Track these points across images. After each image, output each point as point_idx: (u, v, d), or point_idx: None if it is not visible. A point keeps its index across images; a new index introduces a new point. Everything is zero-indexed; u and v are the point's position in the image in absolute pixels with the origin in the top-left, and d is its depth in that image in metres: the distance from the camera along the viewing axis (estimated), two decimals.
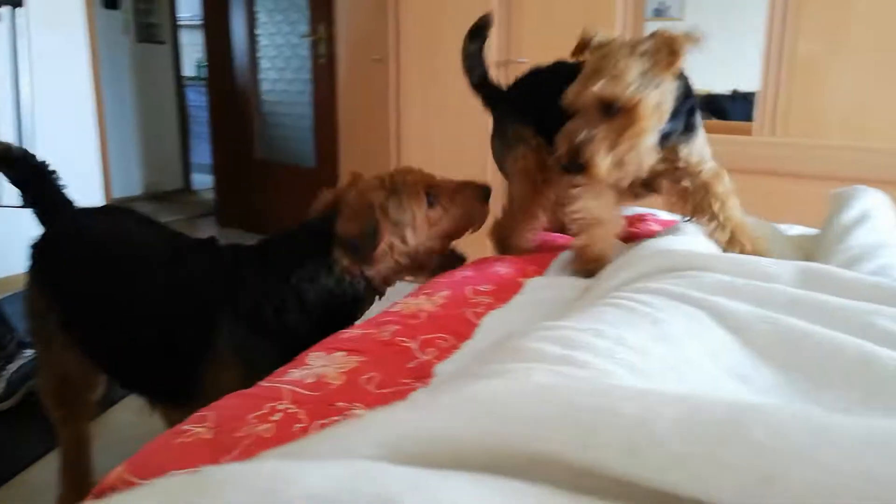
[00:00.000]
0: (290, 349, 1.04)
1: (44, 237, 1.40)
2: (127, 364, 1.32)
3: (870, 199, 1.19)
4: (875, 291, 0.70)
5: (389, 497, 0.23)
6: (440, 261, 1.35)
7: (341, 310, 1.25)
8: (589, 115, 1.06)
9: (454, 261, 1.38)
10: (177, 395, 1.25)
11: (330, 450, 0.29)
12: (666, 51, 1.05)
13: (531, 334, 0.61)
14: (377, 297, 1.32)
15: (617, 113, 1.03)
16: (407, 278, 1.36)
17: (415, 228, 1.27)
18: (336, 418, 0.77)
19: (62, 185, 1.45)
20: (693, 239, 1.06)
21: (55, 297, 1.36)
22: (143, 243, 1.31)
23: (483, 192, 1.35)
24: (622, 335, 0.56)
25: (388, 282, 1.32)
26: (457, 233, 1.34)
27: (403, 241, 1.27)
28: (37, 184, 1.43)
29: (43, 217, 1.42)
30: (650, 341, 0.57)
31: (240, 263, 1.23)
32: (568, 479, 0.28)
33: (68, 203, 1.44)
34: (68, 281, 1.33)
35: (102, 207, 1.50)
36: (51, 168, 1.44)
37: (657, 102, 1.05)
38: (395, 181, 1.28)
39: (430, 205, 1.29)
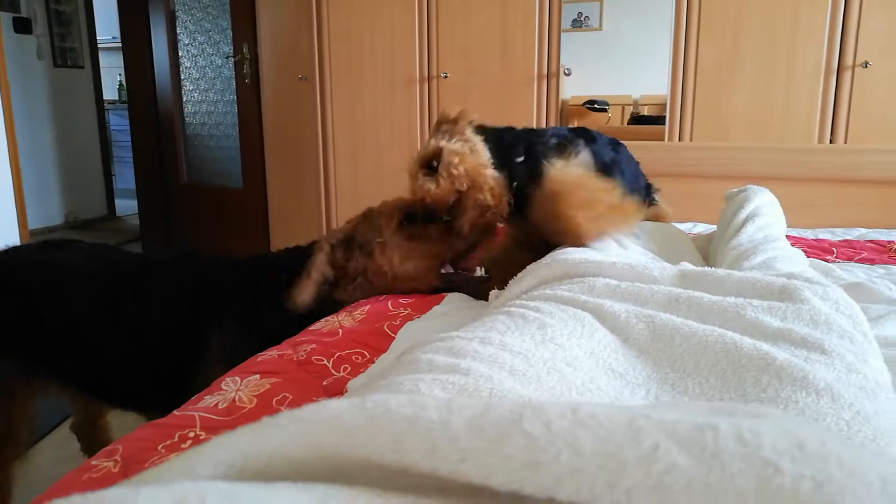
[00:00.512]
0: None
1: None
2: (125, 381, 1.30)
3: (760, 198, 1.27)
4: (745, 286, 0.76)
5: None
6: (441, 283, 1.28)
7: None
8: None
9: (467, 282, 1.29)
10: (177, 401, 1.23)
11: (176, 474, 0.31)
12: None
13: (425, 346, 0.63)
14: None
15: None
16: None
17: (383, 245, 1.23)
18: None
19: None
20: (606, 245, 1.11)
21: (10, 339, 1.31)
22: (108, 264, 1.31)
23: None
24: (506, 341, 0.60)
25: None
26: (441, 256, 1.26)
27: (373, 260, 1.23)
28: None
29: None
30: (534, 345, 0.60)
31: (228, 274, 1.26)
32: (389, 479, 0.32)
33: None
34: (36, 315, 1.29)
35: (45, 241, 1.44)
36: None
37: None
38: (373, 209, 1.26)
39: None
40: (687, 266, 0.86)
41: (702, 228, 1.71)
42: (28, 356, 1.33)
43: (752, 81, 2.53)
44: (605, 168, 1.27)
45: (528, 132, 1.29)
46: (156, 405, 1.28)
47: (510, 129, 1.30)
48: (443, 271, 1.29)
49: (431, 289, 1.27)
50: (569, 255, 0.89)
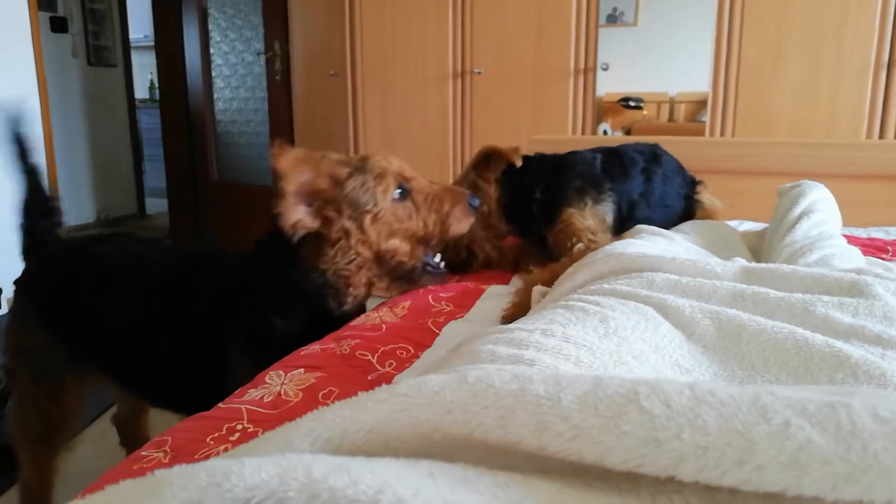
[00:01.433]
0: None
1: (38, 272, 1.38)
2: (161, 385, 1.31)
3: (815, 194, 1.23)
4: (812, 282, 0.73)
5: (316, 480, 0.25)
6: (423, 272, 1.24)
7: (322, 315, 1.16)
8: None
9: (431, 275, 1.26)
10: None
11: (272, 447, 0.31)
12: None
13: (484, 337, 0.61)
14: (348, 303, 1.19)
15: None
16: (378, 289, 1.22)
17: (375, 216, 1.13)
18: None
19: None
20: (649, 242, 1.09)
21: (62, 330, 1.34)
22: (153, 263, 1.30)
23: (470, 201, 1.24)
24: (568, 333, 0.57)
25: (352, 284, 1.17)
26: (430, 237, 1.21)
27: (361, 228, 1.13)
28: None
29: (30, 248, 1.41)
30: (598, 338, 0.58)
31: (232, 277, 1.18)
32: (489, 457, 0.31)
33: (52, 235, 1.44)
34: (82, 310, 1.31)
35: (95, 235, 1.46)
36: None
37: None
38: (366, 161, 1.15)
39: (402, 197, 1.17)
40: (744, 261, 0.83)
41: (749, 226, 1.66)
42: (77, 345, 1.35)
43: (797, 78, 2.47)
44: (631, 206, 1.37)
45: (558, 164, 1.39)
46: (185, 405, 1.28)
47: (541, 161, 1.41)
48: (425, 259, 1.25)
49: (409, 268, 1.23)
50: (624, 249, 0.86)
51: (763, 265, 0.78)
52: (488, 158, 1.38)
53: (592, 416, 0.30)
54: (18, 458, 1.46)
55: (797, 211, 1.17)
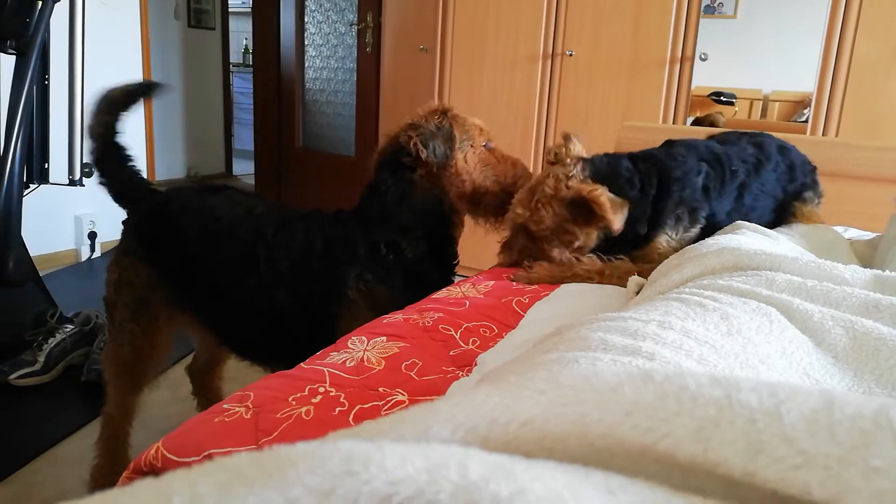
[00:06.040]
0: (412, 276, 1.25)
1: (150, 214, 1.43)
2: (253, 331, 1.36)
3: None
4: None
5: (473, 482, 0.21)
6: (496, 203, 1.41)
7: (439, 227, 1.35)
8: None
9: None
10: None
11: (407, 432, 0.26)
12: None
13: (593, 324, 0.58)
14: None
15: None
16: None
17: (473, 150, 1.37)
18: (378, 403, 0.76)
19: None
20: (750, 239, 1.02)
21: (165, 271, 1.40)
22: (255, 215, 1.35)
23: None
24: (688, 327, 0.53)
25: (458, 204, 1.37)
26: (504, 185, 1.41)
27: (465, 158, 1.35)
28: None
29: (124, 194, 1.48)
30: (720, 335, 0.54)
31: (347, 220, 1.32)
32: (671, 475, 0.26)
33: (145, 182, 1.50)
34: (186, 255, 1.36)
35: (208, 185, 1.52)
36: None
37: None
38: (457, 115, 1.40)
39: (487, 149, 1.41)
40: (876, 270, 0.75)
41: (854, 233, 1.54)
42: (177, 289, 1.40)
43: None
44: (715, 227, 1.24)
45: (662, 178, 1.22)
46: (278, 358, 1.30)
47: (644, 176, 1.25)
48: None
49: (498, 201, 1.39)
50: (739, 244, 0.80)
51: None
52: (589, 209, 1.17)
53: (827, 442, 0.24)
54: (105, 390, 1.53)
55: None
